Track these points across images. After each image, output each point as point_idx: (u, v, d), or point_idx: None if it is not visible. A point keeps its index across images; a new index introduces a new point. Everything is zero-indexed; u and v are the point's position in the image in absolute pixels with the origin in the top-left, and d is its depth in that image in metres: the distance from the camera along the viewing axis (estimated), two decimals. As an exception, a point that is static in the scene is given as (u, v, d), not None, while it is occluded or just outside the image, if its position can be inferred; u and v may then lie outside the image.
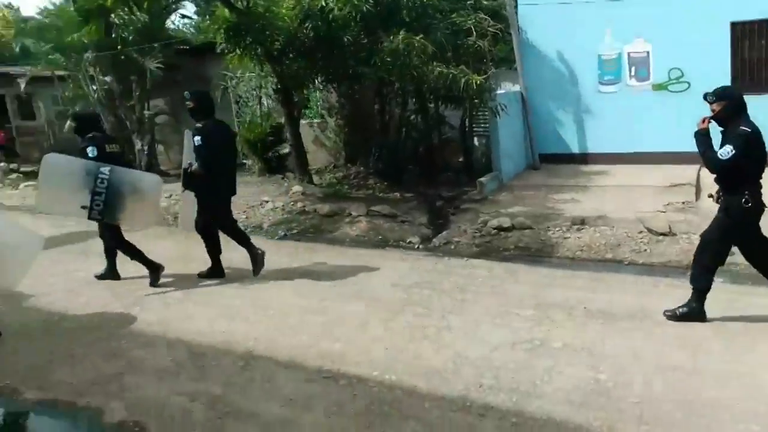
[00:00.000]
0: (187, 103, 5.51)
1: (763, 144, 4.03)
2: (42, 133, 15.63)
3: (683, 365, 3.59)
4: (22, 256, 4.66)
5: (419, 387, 3.54)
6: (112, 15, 11.51)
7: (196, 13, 20.96)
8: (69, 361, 4.15)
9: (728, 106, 3.99)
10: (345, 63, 8.22)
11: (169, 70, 11.61)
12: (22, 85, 13.93)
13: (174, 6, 13.17)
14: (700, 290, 4.15)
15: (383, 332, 4.35)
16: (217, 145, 5.36)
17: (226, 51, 8.69)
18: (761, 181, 4.03)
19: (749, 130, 3.91)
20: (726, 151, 3.89)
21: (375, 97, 10.18)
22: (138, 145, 11.49)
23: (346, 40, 7.83)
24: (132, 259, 5.66)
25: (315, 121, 11.48)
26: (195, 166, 5.31)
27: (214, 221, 5.57)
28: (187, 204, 5.74)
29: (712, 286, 4.15)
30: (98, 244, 5.93)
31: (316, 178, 9.80)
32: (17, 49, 15.17)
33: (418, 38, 7.37)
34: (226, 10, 8.25)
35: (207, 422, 3.35)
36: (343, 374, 3.75)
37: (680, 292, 4.40)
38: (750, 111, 4.08)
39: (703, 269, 4.15)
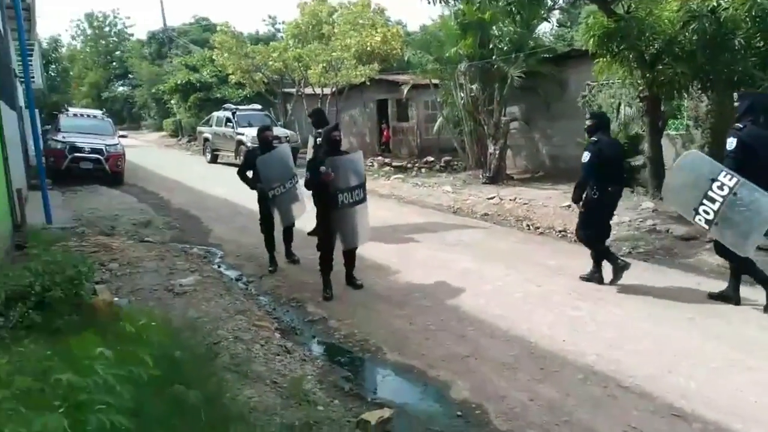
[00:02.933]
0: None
1: (616, 151, 5.73)
2: (412, 133, 18.15)
3: None
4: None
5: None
6: (494, 27, 12.56)
7: (558, 21, 21.29)
8: (424, 335, 4.74)
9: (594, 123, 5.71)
10: (732, 68, 7.29)
11: (528, 78, 12.09)
12: (405, 91, 16.41)
13: (545, 15, 13.62)
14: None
15: (750, 382, 3.75)
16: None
17: (594, 57, 8.65)
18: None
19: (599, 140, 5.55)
20: (584, 157, 5.51)
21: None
22: (491, 149, 12.31)
23: (737, 42, 6.96)
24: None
25: (680, 132, 10.46)
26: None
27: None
28: None
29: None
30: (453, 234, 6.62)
31: (671, 196, 8.94)
32: (405, 60, 17.84)
33: None
34: (604, 17, 8.19)
35: (543, 424, 3.44)
36: (697, 417, 3.38)
37: None
38: None
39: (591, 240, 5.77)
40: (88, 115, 15.84)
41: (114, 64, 48.77)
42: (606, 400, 3.65)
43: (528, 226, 8.76)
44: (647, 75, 8.44)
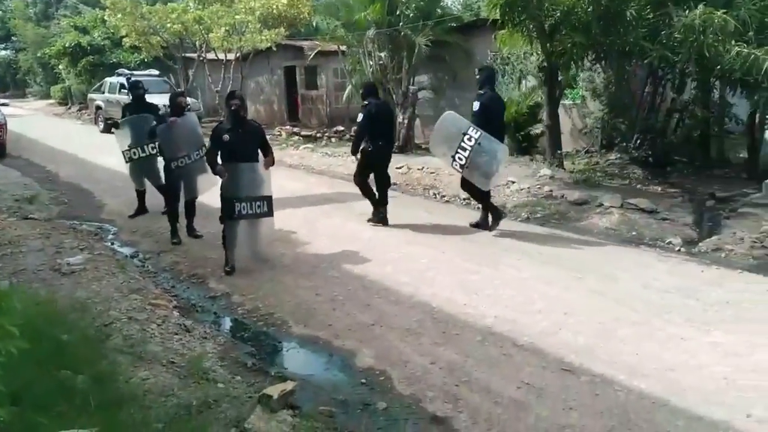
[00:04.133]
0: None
1: (385, 112, 6.94)
2: (321, 101, 17.83)
3: None
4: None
5: (673, 402, 3.24)
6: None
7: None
8: (331, 305, 4.73)
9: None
10: (624, 39, 7.66)
11: (435, 47, 12.14)
12: (309, 57, 15.98)
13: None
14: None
15: (632, 335, 4.05)
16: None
17: (497, 27, 8.77)
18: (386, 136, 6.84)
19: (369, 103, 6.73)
20: (358, 117, 6.84)
21: (647, 78, 9.31)
22: (399, 118, 12.33)
23: (629, 14, 7.30)
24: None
25: (575, 102, 10.96)
26: None
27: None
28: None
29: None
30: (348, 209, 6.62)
31: (566, 163, 9.42)
32: (313, 26, 17.33)
33: (719, 13, 6.51)
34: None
35: (444, 386, 3.54)
36: (586, 370, 3.61)
37: None
38: None
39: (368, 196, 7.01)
40: None
41: (-6, 25, 44.01)
42: (502, 359, 3.81)
43: (435, 194, 8.91)
44: (546, 45, 8.71)
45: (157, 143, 6.67)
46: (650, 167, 8.80)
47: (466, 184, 6.78)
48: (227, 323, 4.61)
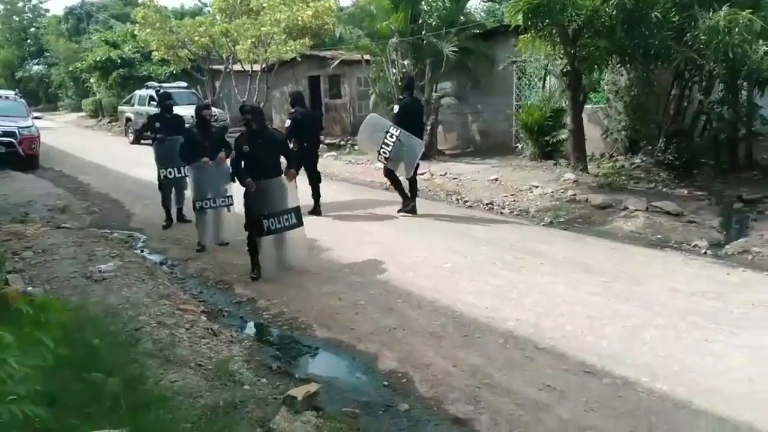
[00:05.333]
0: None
1: (309, 120, 7.99)
2: (345, 110, 18.01)
3: None
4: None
5: (696, 404, 3.22)
6: (422, 2, 12.52)
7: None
8: (353, 310, 4.79)
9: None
10: (649, 42, 7.61)
11: (459, 54, 12.17)
12: (331, 67, 16.17)
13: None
14: None
15: (657, 338, 4.03)
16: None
17: (519, 33, 8.79)
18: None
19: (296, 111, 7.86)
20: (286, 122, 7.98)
21: (673, 80, 9.21)
22: (422, 125, 12.40)
23: (653, 16, 7.26)
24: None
25: (600, 105, 10.89)
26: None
27: None
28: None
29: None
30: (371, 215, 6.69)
31: (591, 167, 9.36)
32: (337, 36, 17.52)
33: (744, 13, 6.44)
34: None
35: (466, 388, 3.57)
36: (608, 373, 3.60)
37: None
38: None
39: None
40: (0, 96, 14.79)
41: (29, 41, 45.35)
42: (524, 362, 3.83)
43: (457, 200, 8.93)
44: (569, 49, 8.69)
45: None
46: (676, 170, 8.69)
47: (389, 174, 7.87)
48: (253, 327, 4.70)
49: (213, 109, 17.01)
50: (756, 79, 8.00)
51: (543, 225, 7.28)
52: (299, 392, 3.32)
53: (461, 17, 13.14)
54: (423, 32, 12.52)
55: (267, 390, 3.53)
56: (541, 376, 3.63)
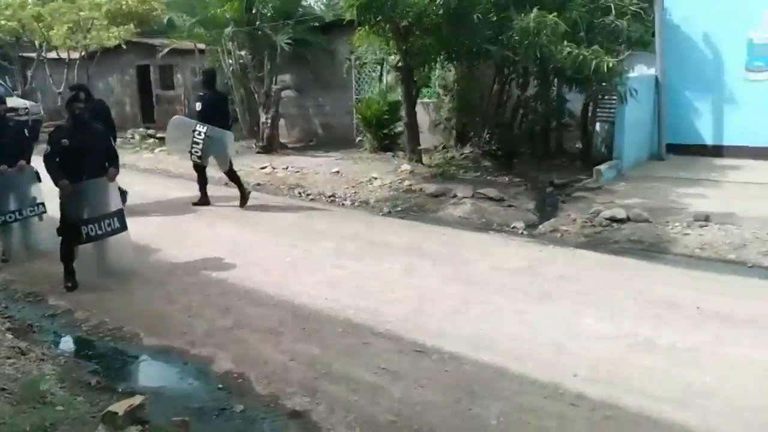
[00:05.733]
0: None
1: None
2: (179, 101, 17.00)
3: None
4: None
5: (512, 369, 3.53)
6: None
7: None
8: (186, 313, 4.55)
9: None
10: (471, 40, 8.14)
11: (298, 46, 12.07)
12: (160, 55, 15.17)
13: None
14: None
15: (480, 313, 4.36)
16: None
17: (356, 27, 8.91)
18: None
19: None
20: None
21: (495, 76, 9.99)
22: (262, 118, 12.14)
23: (475, 17, 7.75)
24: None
25: (432, 100, 11.48)
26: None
27: None
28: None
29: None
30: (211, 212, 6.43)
31: (425, 158, 9.85)
32: (165, 22, 16.44)
33: (551, 16, 7.13)
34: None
35: (304, 380, 3.57)
36: (437, 350, 3.82)
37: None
38: None
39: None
40: None
41: None
42: (361, 348, 3.92)
43: (300, 193, 8.90)
44: (401, 45, 9.01)
45: None
46: (499, 159, 9.46)
47: (197, 168, 7.91)
48: (69, 342, 4.27)
49: (24, 100, 15.20)
50: (563, 76, 8.96)
51: (382, 215, 7.53)
52: (120, 407, 3.06)
53: (299, 9, 13.03)
54: (258, 22, 12.22)
55: (84, 408, 3.21)
56: (377, 360, 3.74)
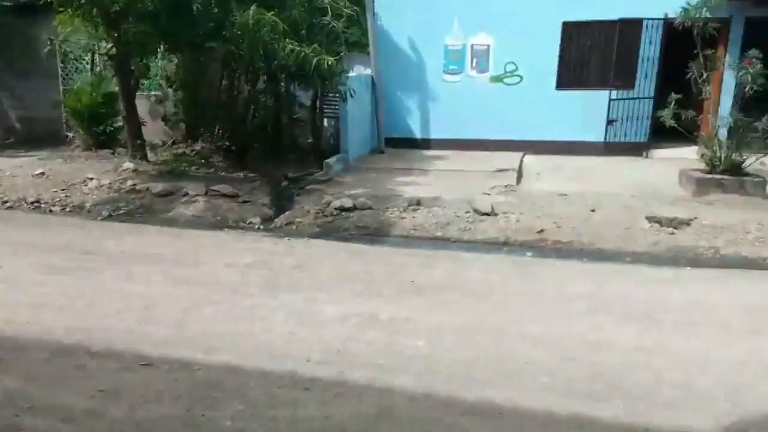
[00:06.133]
0: None
1: None
2: None
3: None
4: None
5: (246, 367, 3.46)
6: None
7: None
8: None
9: None
10: (192, 32, 7.74)
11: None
12: None
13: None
14: None
15: (212, 314, 4.19)
16: None
17: (57, 9, 7.79)
18: None
19: None
20: None
21: (223, 70, 9.73)
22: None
23: (194, 8, 7.37)
24: None
25: (156, 93, 10.67)
26: None
27: None
28: None
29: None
30: None
31: (151, 155, 9.16)
32: None
33: (269, 14, 7.17)
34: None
35: (2, 419, 2.97)
36: (165, 359, 3.54)
37: (495, 265, 4.78)
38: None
39: None
40: None
41: None
42: (74, 372, 3.42)
43: (-8, 200, 7.45)
44: (113, 33, 8.19)
45: None
46: (232, 155, 9.29)
47: None
48: None
49: None
50: (288, 73, 9.16)
51: (101, 219, 6.75)
52: None
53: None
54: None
55: None
56: (94, 382, 3.31)
